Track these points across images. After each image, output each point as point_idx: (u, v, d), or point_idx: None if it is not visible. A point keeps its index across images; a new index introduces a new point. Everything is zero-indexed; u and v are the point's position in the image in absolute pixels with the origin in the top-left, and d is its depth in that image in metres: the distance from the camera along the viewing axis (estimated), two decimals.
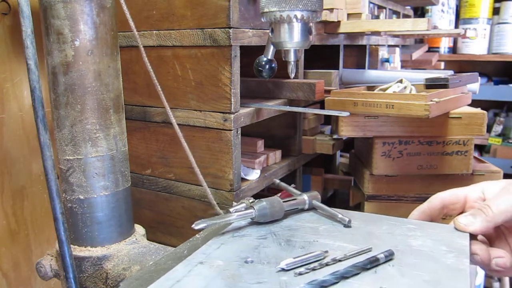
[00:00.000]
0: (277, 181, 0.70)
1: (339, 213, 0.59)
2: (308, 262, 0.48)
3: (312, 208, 0.64)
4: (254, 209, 0.57)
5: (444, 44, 2.26)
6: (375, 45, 1.34)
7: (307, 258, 0.48)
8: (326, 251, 0.50)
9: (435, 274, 0.45)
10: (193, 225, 0.53)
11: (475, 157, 1.01)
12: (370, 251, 0.51)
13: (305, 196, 0.63)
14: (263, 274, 0.46)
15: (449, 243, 0.52)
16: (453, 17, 2.25)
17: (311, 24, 0.61)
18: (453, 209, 0.61)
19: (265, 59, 0.76)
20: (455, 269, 0.46)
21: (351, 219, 0.58)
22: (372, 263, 0.46)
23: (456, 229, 0.55)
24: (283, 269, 0.46)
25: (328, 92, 0.92)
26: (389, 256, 0.48)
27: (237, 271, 0.46)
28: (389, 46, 1.49)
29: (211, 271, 0.47)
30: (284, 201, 0.61)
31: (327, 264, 0.48)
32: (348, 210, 0.63)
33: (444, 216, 0.62)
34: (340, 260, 0.48)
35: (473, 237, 0.54)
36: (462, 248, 0.51)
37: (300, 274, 0.46)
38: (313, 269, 0.47)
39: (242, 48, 0.75)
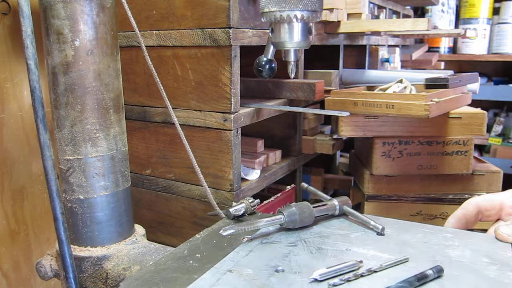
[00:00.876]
0: (305, 185, 0.68)
1: (371, 219, 0.57)
2: (342, 272, 0.46)
3: (342, 214, 0.62)
4: (283, 214, 0.56)
5: (444, 44, 2.26)
6: (375, 45, 1.34)
7: (341, 268, 0.46)
8: (361, 261, 0.48)
9: None
10: (220, 231, 0.51)
11: (475, 157, 1.01)
12: (407, 261, 0.48)
13: (335, 202, 0.61)
14: (295, 285, 0.44)
15: (490, 254, 0.50)
16: (453, 17, 2.25)
17: (311, 24, 0.61)
18: (488, 216, 0.59)
19: (265, 59, 0.76)
20: (499, 283, 0.44)
21: (384, 227, 0.56)
22: (421, 280, 0.44)
23: (498, 239, 0.53)
24: (316, 280, 0.44)
25: (328, 92, 0.92)
26: (438, 273, 0.45)
27: (267, 281, 0.45)
28: (389, 46, 1.49)
29: (240, 280, 0.45)
30: (314, 207, 0.59)
31: (362, 275, 0.45)
32: (378, 217, 0.61)
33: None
34: (375, 271, 0.46)
35: None
36: (505, 260, 0.48)
37: (335, 285, 0.44)
38: (348, 280, 0.45)
39: (242, 48, 0.75)
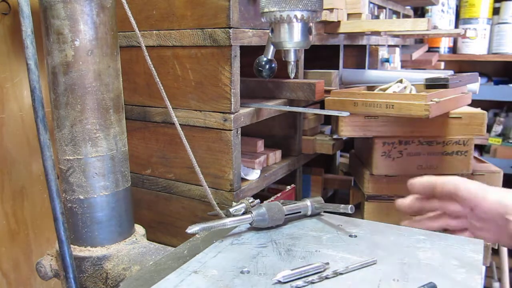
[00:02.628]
0: (281, 201, 0.70)
1: (341, 206, 0.59)
2: (307, 274, 0.46)
3: (316, 215, 0.63)
4: (252, 213, 0.56)
5: (444, 44, 2.26)
6: (375, 45, 1.34)
7: (306, 270, 0.46)
8: (327, 263, 0.48)
9: None
10: (187, 229, 0.52)
11: (475, 157, 1.01)
12: (374, 263, 0.48)
13: (308, 202, 0.62)
14: (258, 286, 0.44)
15: (460, 257, 0.50)
16: (453, 17, 2.25)
17: (311, 24, 0.61)
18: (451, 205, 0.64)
19: (265, 59, 0.76)
20: (465, 286, 0.44)
21: (353, 206, 0.57)
22: None
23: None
24: (279, 281, 0.44)
25: (328, 92, 0.92)
26: None
27: (231, 282, 0.45)
28: (389, 46, 1.49)
29: (204, 281, 0.45)
30: (284, 205, 0.59)
31: (326, 277, 0.45)
32: (355, 218, 0.61)
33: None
34: (341, 273, 0.46)
35: None
36: (474, 262, 0.48)
37: (298, 287, 0.44)
38: (312, 282, 0.45)
39: (242, 48, 0.75)
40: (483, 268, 0.49)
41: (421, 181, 0.65)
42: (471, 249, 0.52)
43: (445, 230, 0.64)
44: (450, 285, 0.44)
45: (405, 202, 0.69)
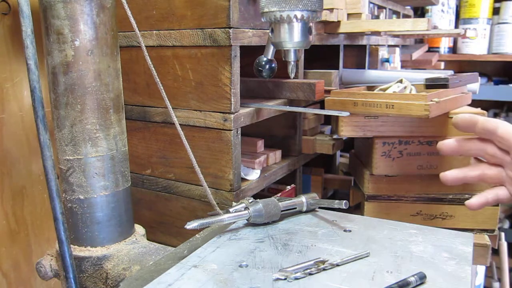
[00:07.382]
0: (278, 196, 0.71)
1: (335, 201, 0.60)
2: (306, 268, 0.47)
3: (311, 211, 0.64)
4: (249, 210, 0.58)
5: (444, 44, 2.26)
6: (375, 45, 1.34)
7: (303, 267, 0.47)
8: (325, 260, 0.49)
9: (434, 283, 0.45)
10: (186, 225, 0.53)
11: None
12: (367, 256, 0.50)
13: (303, 198, 0.63)
14: (256, 279, 0.45)
15: (451, 250, 0.51)
16: (453, 17, 2.25)
17: (311, 24, 0.61)
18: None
19: (265, 59, 0.76)
20: (455, 277, 0.45)
21: (347, 201, 0.58)
22: (403, 287, 0.44)
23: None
24: (279, 278, 0.46)
25: (328, 92, 0.92)
26: (421, 280, 0.45)
27: (230, 276, 0.46)
28: (389, 46, 1.49)
29: (204, 275, 0.46)
30: (280, 201, 0.61)
31: (324, 269, 0.47)
32: (348, 214, 0.62)
33: None
34: (337, 265, 0.48)
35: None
36: (464, 254, 0.50)
37: (296, 278, 0.45)
38: (310, 274, 0.46)
39: (242, 48, 0.75)
40: (471, 259, 0.50)
41: (464, 116, 0.64)
42: (461, 242, 0.54)
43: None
44: (441, 276, 0.46)
45: (449, 143, 0.66)
